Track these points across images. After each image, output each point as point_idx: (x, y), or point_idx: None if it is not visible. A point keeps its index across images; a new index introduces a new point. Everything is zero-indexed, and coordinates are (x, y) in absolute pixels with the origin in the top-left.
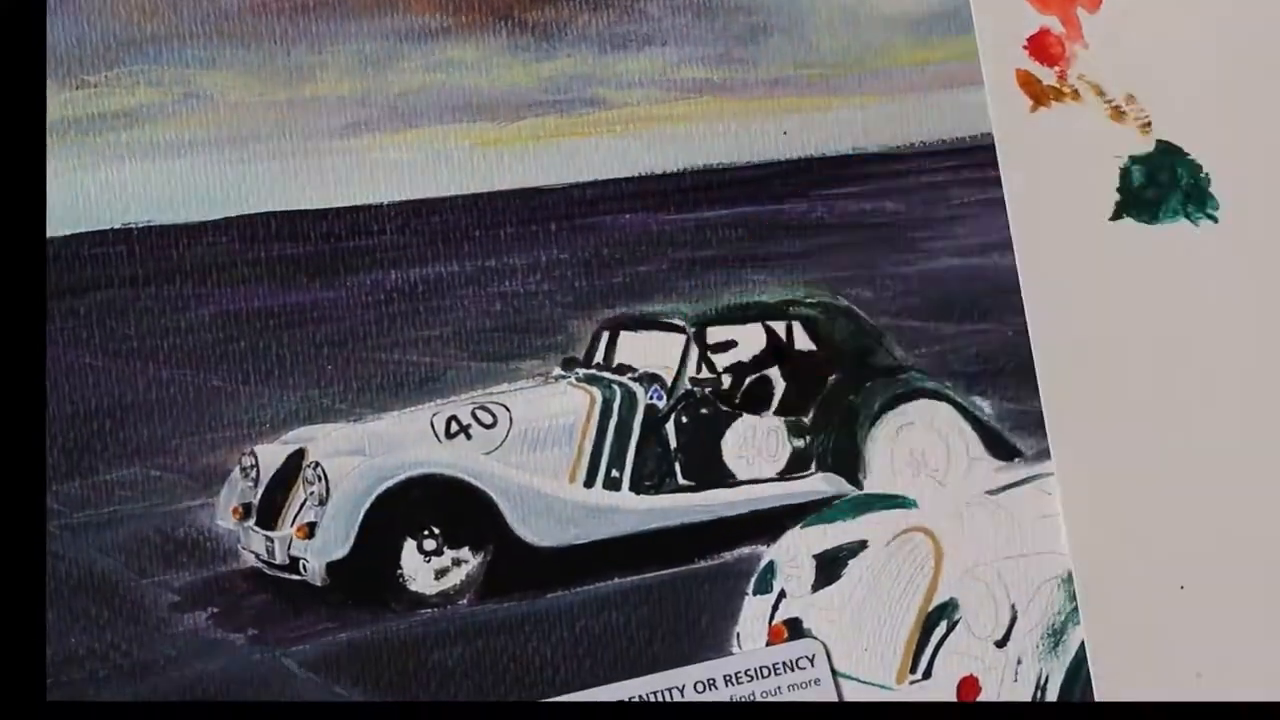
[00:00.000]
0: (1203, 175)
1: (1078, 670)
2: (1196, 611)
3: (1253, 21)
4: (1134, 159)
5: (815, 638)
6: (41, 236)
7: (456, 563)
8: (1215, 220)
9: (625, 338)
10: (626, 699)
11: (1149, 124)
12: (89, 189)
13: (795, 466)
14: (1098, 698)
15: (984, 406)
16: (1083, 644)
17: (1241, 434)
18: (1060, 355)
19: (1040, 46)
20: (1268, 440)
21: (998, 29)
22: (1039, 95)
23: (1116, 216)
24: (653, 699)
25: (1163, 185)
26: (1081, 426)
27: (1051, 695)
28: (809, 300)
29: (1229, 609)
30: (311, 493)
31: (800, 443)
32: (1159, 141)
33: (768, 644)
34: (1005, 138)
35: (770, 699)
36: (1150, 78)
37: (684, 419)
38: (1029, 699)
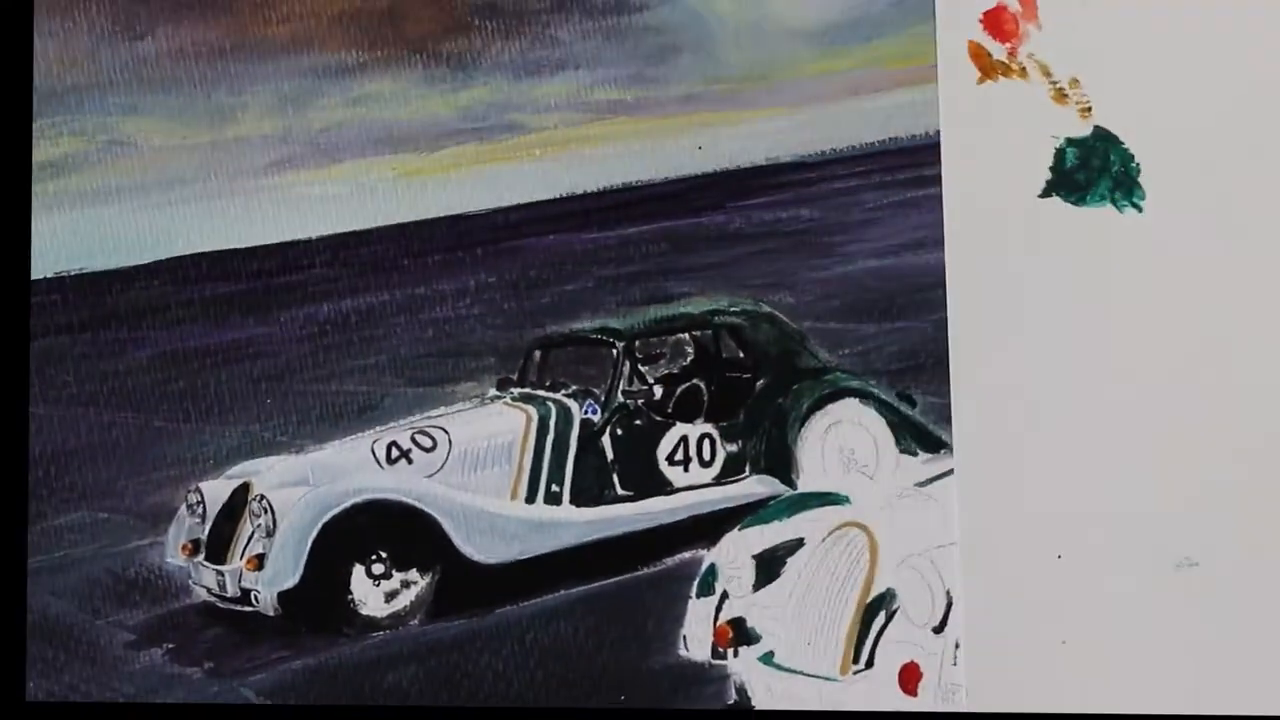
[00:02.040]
0: (1134, 165)
1: None
2: (1076, 603)
3: (1203, 20)
4: (1070, 141)
5: (759, 635)
6: None
7: (406, 584)
8: (1140, 210)
9: (557, 355)
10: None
11: (1089, 109)
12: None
13: (730, 471)
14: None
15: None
16: None
17: (1142, 416)
18: (975, 317)
19: (995, 21)
20: (1163, 420)
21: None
22: (987, 68)
23: (1046, 194)
24: None
25: (1094, 170)
26: (988, 400)
27: None
28: (732, 309)
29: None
30: (259, 525)
31: (733, 447)
32: (1096, 127)
33: (714, 644)
34: (949, 103)
35: None
36: (1097, 65)
37: (619, 431)
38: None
